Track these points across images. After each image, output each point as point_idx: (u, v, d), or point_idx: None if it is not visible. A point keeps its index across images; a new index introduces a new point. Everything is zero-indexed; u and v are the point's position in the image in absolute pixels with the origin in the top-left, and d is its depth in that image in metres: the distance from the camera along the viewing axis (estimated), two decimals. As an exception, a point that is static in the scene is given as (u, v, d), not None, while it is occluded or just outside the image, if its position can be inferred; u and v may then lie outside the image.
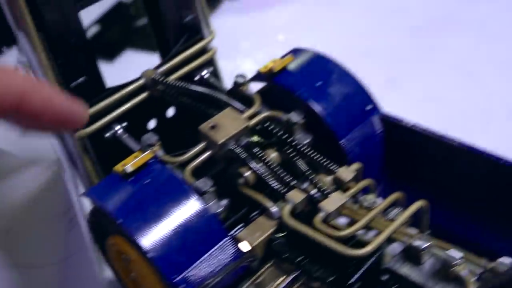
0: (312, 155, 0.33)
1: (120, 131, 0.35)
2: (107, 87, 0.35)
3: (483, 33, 0.57)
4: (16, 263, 0.42)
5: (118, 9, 0.70)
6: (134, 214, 0.29)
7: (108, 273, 0.38)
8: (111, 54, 0.64)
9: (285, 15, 0.67)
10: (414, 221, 0.32)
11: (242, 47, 0.64)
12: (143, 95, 0.36)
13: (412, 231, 0.30)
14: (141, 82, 0.36)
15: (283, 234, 0.31)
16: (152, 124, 0.39)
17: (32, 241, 0.42)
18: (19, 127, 0.25)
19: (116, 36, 0.69)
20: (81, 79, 0.33)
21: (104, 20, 0.69)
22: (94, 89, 0.34)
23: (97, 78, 0.35)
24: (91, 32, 0.67)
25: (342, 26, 0.63)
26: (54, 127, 0.27)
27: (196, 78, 0.38)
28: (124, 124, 0.35)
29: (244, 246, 0.30)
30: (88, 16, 0.69)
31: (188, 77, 0.38)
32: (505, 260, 0.27)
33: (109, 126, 0.35)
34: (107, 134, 0.35)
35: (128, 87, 0.35)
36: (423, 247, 0.28)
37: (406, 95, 0.52)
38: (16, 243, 0.43)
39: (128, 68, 0.37)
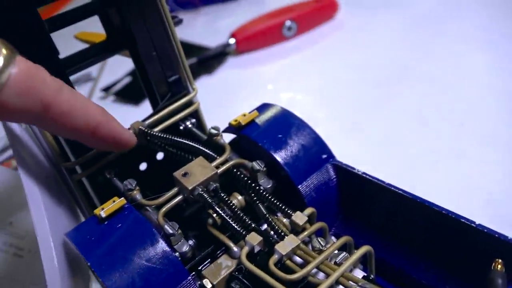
0: (271, 200, 0.28)
1: (110, 176, 0.31)
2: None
3: (433, 85, 0.53)
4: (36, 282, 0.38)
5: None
6: (103, 257, 0.24)
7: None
8: (137, 100, 0.61)
9: (274, 70, 0.63)
10: (363, 260, 0.27)
11: (240, 95, 0.61)
12: (132, 143, 0.31)
13: (359, 274, 0.25)
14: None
15: (243, 272, 0.25)
16: (143, 166, 0.34)
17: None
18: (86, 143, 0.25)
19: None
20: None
21: (134, 73, 0.66)
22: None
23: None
24: (124, 82, 0.64)
25: (318, 78, 0.58)
26: (109, 148, 0.27)
27: (181, 127, 0.34)
28: (115, 169, 0.31)
29: (207, 284, 0.25)
30: (123, 68, 0.65)
31: (174, 127, 0.33)
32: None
33: (101, 171, 0.31)
34: (100, 178, 0.31)
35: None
36: (365, 293, 0.23)
37: (368, 137, 0.47)
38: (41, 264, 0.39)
39: (149, 111, 0.33)
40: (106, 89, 0.62)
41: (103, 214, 0.25)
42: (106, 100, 0.61)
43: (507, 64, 0.53)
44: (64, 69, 0.28)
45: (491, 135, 0.44)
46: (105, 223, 0.25)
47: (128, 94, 0.61)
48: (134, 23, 0.30)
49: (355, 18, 0.70)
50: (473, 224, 0.24)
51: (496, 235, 0.23)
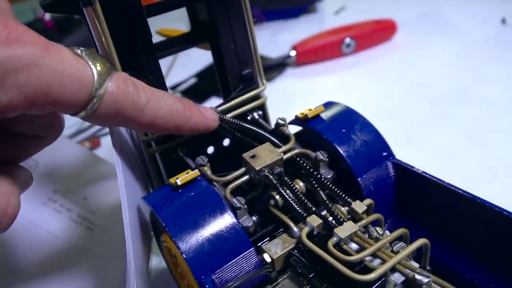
0: (332, 188, 0.28)
1: (182, 154, 0.32)
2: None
3: (490, 106, 0.51)
4: (104, 254, 0.40)
5: (210, 68, 0.69)
6: (177, 219, 0.25)
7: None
8: (201, 99, 0.63)
9: (330, 82, 0.64)
10: (416, 256, 0.26)
11: (295, 102, 0.62)
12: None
13: (415, 264, 0.25)
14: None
15: (300, 251, 0.26)
16: (210, 150, 0.35)
17: (117, 237, 0.40)
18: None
19: (206, 86, 0.67)
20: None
21: (199, 75, 0.68)
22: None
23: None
24: (190, 82, 0.67)
25: (374, 92, 0.58)
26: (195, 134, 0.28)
27: (249, 118, 0.35)
28: (186, 149, 0.32)
29: (266, 257, 0.26)
30: (189, 71, 0.68)
31: (242, 117, 0.34)
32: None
33: (174, 149, 0.32)
34: (173, 155, 0.32)
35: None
36: (424, 281, 0.22)
37: (421, 151, 0.47)
38: (108, 238, 0.41)
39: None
40: (173, 88, 0.65)
41: (178, 182, 0.27)
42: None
43: None
44: (155, 51, 0.30)
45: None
46: (179, 190, 0.27)
47: (192, 94, 0.64)
48: (219, 18, 0.32)
49: (412, 40, 0.69)
50: (536, 226, 0.23)
51: (561, 239, 0.22)
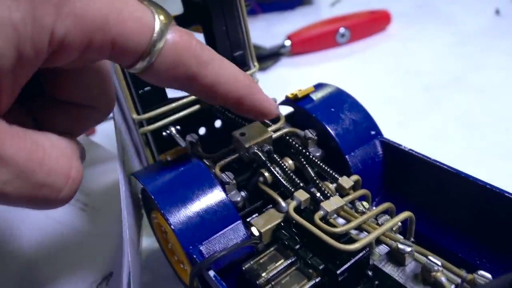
0: (320, 165, 0.29)
1: (173, 132, 0.32)
2: (168, 98, 0.33)
3: (482, 94, 0.52)
4: (95, 233, 0.40)
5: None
6: (166, 193, 0.25)
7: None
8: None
9: (324, 71, 0.64)
10: (403, 231, 0.27)
11: (290, 91, 0.61)
12: (195, 107, 0.33)
13: (399, 237, 0.25)
14: (194, 96, 0.33)
15: (288, 225, 0.26)
16: (202, 131, 0.36)
17: (111, 216, 0.41)
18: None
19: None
20: (147, 88, 0.31)
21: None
22: (157, 97, 0.32)
23: (161, 90, 0.32)
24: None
25: (368, 81, 0.59)
26: (250, 115, 0.26)
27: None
28: (178, 127, 0.33)
29: (254, 231, 0.26)
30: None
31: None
32: (484, 273, 0.21)
33: (166, 127, 0.33)
34: (164, 133, 0.33)
35: (183, 99, 0.33)
36: (406, 250, 0.23)
37: (413, 135, 0.47)
38: (100, 218, 0.41)
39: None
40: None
41: (168, 157, 0.27)
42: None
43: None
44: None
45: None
46: (169, 166, 0.27)
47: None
48: (212, 1, 0.32)
49: (406, 30, 0.70)
50: (518, 198, 0.23)
51: (542, 209, 0.22)
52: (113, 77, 0.26)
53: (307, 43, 0.66)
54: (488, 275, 0.21)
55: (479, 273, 0.21)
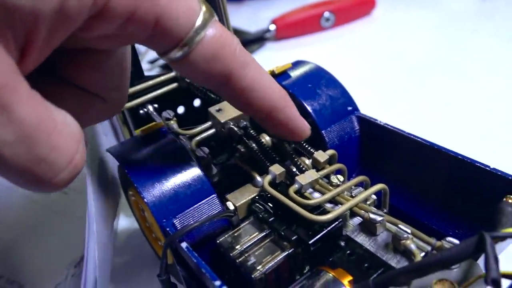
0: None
1: (151, 110, 0.32)
2: (145, 75, 0.32)
3: (463, 75, 0.52)
4: (77, 215, 0.40)
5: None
6: (140, 167, 0.25)
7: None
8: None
9: (309, 55, 0.63)
10: (378, 205, 0.27)
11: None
12: (173, 85, 0.33)
13: (372, 208, 0.25)
14: (172, 74, 0.33)
15: (263, 199, 0.26)
16: (181, 110, 0.36)
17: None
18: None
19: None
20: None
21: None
22: (134, 75, 0.31)
23: (138, 68, 0.32)
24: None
25: (352, 65, 0.59)
26: (279, 132, 0.24)
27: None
28: (156, 105, 0.33)
29: (229, 205, 0.26)
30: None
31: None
32: (452, 239, 0.22)
33: (143, 105, 0.32)
34: (141, 111, 0.32)
35: (161, 77, 0.32)
36: (377, 220, 0.23)
37: (395, 115, 0.47)
38: (82, 201, 0.41)
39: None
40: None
41: (142, 132, 0.27)
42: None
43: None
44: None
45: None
46: (144, 141, 0.27)
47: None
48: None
49: (391, 14, 0.70)
50: (487, 168, 0.24)
51: (510, 177, 0.23)
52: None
53: (291, 27, 0.66)
54: (456, 241, 0.21)
55: (447, 239, 0.21)
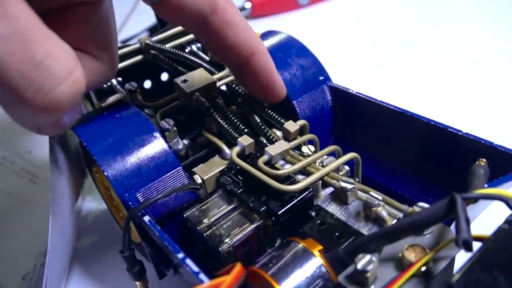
0: (267, 111, 0.27)
1: (114, 83, 0.30)
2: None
3: (439, 49, 0.52)
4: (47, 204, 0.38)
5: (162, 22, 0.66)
6: (100, 140, 0.24)
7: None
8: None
9: (289, 31, 0.62)
10: (351, 176, 0.26)
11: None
12: (138, 58, 0.31)
13: (343, 177, 0.24)
14: (136, 46, 0.31)
15: (232, 171, 0.25)
16: (148, 84, 0.34)
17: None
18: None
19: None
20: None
21: (151, 29, 0.65)
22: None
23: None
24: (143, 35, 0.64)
25: (328, 42, 0.58)
26: (256, 89, 0.25)
27: (187, 50, 0.33)
28: (119, 79, 0.31)
29: (197, 179, 0.25)
30: (143, 24, 0.65)
31: (180, 48, 0.33)
32: (423, 204, 0.21)
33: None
34: (105, 86, 0.31)
35: (124, 49, 0.31)
36: (348, 188, 0.22)
37: (375, 88, 0.47)
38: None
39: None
40: (124, 41, 0.62)
41: (103, 104, 0.25)
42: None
43: (509, 32, 0.52)
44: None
45: (488, 89, 0.43)
46: (104, 113, 0.25)
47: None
48: None
49: (368, -8, 0.69)
50: (460, 133, 0.23)
51: (482, 141, 0.22)
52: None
53: (267, 5, 0.64)
54: (427, 206, 0.20)
55: (418, 204, 0.21)
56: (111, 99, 0.25)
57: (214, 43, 0.22)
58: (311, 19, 0.64)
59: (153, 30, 0.64)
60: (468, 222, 0.16)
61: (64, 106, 0.16)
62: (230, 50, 0.22)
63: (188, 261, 0.18)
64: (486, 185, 0.19)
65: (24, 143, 0.45)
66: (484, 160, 0.20)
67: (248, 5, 0.64)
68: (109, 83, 0.31)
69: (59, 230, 0.24)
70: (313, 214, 0.23)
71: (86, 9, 0.20)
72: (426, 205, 0.20)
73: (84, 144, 0.23)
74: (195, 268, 0.18)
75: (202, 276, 0.18)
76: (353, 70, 0.50)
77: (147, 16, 0.67)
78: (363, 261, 0.18)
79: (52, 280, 0.23)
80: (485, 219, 0.27)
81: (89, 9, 0.20)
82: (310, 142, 0.27)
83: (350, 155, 0.25)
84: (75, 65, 0.17)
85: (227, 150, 0.26)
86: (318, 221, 0.22)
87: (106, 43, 0.21)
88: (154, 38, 0.31)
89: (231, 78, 0.29)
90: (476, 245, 0.17)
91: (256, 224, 0.22)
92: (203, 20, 0.21)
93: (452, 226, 0.21)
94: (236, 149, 0.25)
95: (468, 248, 0.16)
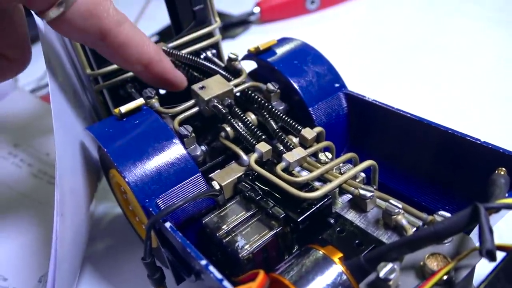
0: (284, 118, 0.28)
1: (132, 90, 0.31)
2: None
3: (447, 56, 0.52)
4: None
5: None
6: (120, 146, 0.24)
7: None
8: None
9: (295, 37, 0.63)
10: (367, 183, 0.26)
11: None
12: (154, 63, 0.31)
13: (362, 185, 0.25)
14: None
15: (250, 178, 0.25)
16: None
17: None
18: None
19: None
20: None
21: (161, 34, 0.66)
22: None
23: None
24: (153, 40, 0.64)
25: (336, 47, 0.58)
26: (161, 85, 0.28)
27: (202, 56, 0.34)
28: (136, 84, 0.31)
29: (215, 185, 0.25)
30: (152, 29, 0.66)
31: (195, 55, 0.33)
32: (444, 213, 0.21)
33: (123, 84, 0.31)
34: (121, 91, 0.31)
35: (141, 55, 0.31)
36: (367, 196, 0.22)
37: (382, 95, 0.46)
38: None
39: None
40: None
41: (122, 110, 0.25)
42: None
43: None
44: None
45: (498, 96, 0.43)
46: (124, 119, 0.26)
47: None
48: None
49: (376, -3, 0.69)
50: (478, 142, 0.23)
51: (501, 150, 0.22)
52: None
53: (276, 10, 0.65)
54: (448, 214, 0.20)
55: (439, 213, 0.21)
56: (131, 105, 0.25)
57: (112, 58, 0.25)
58: (319, 24, 0.64)
59: (162, 35, 0.65)
60: (491, 232, 0.17)
61: None
62: (125, 64, 0.25)
63: (212, 268, 0.18)
64: (507, 195, 0.19)
65: (41, 145, 0.46)
66: (504, 169, 0.21)
67: (257, 10, 0.65)
68: (125, 89, 0.31)
69: (68, 231, 0.24)
70: (332, 221, 0.23)
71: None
72: (447, 214, 0.21)
73: (105, 149, 0.24)
74: (219, 275, 0.18)
75: (225, 283, 0.18)
76: (361, 76, 0.51)
77: (155, 22, 0.67)
78: (386, 269, 0.18)
79: (60, 282, 0.23)
80: (499, 227, 0.27)
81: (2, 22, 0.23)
82: (327, 149, 0.27)
83: (368, 163, 0.25)
84: None
85: (244, 157, 0.26)
86: (338, 229, 0.22)
87: (14, 43, 0.24)
88: (170, 45, 0.31)
89: (248, 84, 0.29)
90: (499, 255, 0.17)
91: (275, 231, 0.22)
92: (94, 42, 0.24)
93: (472, 235, 0.21)
94: (254, 155, 0.25)
95: (492, 258, 0.16)
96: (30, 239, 0.35)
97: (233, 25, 0.64)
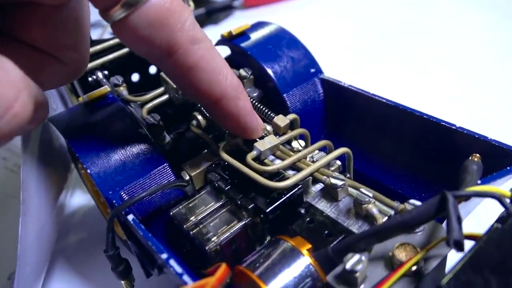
0: (256, 105, 0.27)
1: (100, 77, 0.30)
2: (92, 39, 0.30)
3: (433, 38, 0.52)
4: None
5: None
6: (83, 137, 0.23)
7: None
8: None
9: (280, 22, 0.61)
10: (343, 171, 0.25)
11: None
12: (125, 50, 0.30)
13: (334, 173, 0.24)
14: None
15: (220, 167, 0.24)
16: (136, 77, 0.33)
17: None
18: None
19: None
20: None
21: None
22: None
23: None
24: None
25: (322, 32, 0.57)
26: (227, 126, 0.23)
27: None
28: (106, 72, 0.30)
29: (184, 175, 0.25)
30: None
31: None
32: (415, 202, 0.20)
33: (92, 71, 0.30)
34: (90, 78, 0.30)
35: (110, 41, 0.30)
36: (338, 184, 0.22)
37: (367, 80, 0.46)
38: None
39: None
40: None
41: (86, 97, 0.24)
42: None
43: (505, 22, 0.51)
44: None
45: (483, 81, 0.43)
46: (88, 108, 0.25)
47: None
48: None
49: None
50: (453, 127, 0.22)
51: (476, 136, 0.22)
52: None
53: (261, -6, 0.63)
54: (418, 203, 0.20)
55: (410, 201, 0.20)
56: (95, 93, 0.24)
57: (176, 81, 0.21)
58: (304, 9, 0.63)
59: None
60: (459, 221, 0.16)
61: (2, 141, 0.15)
62: (191, 92, 0.21)
63: (172, 262, 0.18)
64: (479, 182, 0.18)
65: (17, 139, 0.44)
66: (478, 155, 0.20)
67: (241, -6, 0.63)
68: (94, 77, 0.30)
69: (32, 226, 0.24)
70: (303, 211, 0.22)
71: (48, 10, 0.18)
72: (417, 203, 0.20)
73: (67, 140, 0.23)
74: (179, 269, 0.17)
75: (185, 277, 0.17)
76: (346, 62, 0.50)
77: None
78: (352, 261, 0.17)
79: (25, 278, 0.22)
80: (478, 215, 0.27)
81: (51, 10, 0.18)
82: (301, 136, 0.26)
83: (341, 150, 0.24)
84: (15, 96, 0.15)
85: (215, 146, 0.25)
86: (307, 219, 0.21)
87: (74, 45, 0.20)
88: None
89: (220, 71, 0.28)
90: (468, 244, 0.16)
91: (244, 222, 0.22)
92: (158, 58, 0.19)
93: (444, 224, 0.20)
94: (225, 144, 0.24)
95: (460, 248, 0.15)
96: (1, 236, 0.34)
97: (216, 11, 0.62)
